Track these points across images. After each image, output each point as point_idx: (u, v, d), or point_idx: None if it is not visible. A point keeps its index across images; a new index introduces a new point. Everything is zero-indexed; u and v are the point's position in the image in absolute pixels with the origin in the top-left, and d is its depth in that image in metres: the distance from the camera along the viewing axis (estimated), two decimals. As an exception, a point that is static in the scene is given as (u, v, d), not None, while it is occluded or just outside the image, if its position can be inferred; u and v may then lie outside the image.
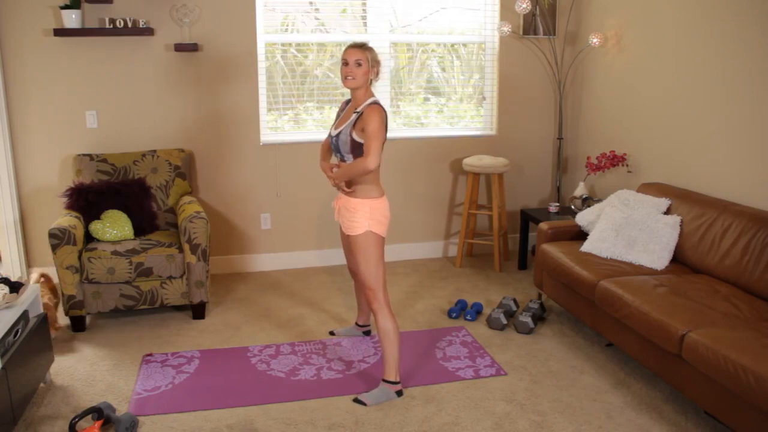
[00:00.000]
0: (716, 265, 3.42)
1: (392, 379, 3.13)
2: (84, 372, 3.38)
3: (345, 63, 3.07)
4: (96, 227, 3.99)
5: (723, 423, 2.68)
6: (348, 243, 3.38)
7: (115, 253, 3.81)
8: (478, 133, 5.21)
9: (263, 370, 3.40)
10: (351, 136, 3.05)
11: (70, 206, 4.05)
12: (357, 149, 3.06)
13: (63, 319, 3.96)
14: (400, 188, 5.07)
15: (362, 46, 3.08)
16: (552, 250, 3.91)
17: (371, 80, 3.12)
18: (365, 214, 3.08)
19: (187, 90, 4.60)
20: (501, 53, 5.07)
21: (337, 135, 3.12)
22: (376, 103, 3.06)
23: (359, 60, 3.05)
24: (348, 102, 3.26)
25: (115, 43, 4.43)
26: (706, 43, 3.81)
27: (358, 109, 3.06)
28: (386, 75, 4.94)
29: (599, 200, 4.42)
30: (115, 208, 4.11)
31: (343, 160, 3.14)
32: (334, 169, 3.29)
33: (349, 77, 3.06)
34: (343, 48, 4.87)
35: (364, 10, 4.84)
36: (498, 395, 3.15)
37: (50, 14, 4.29)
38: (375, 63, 3.09)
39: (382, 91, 4.94)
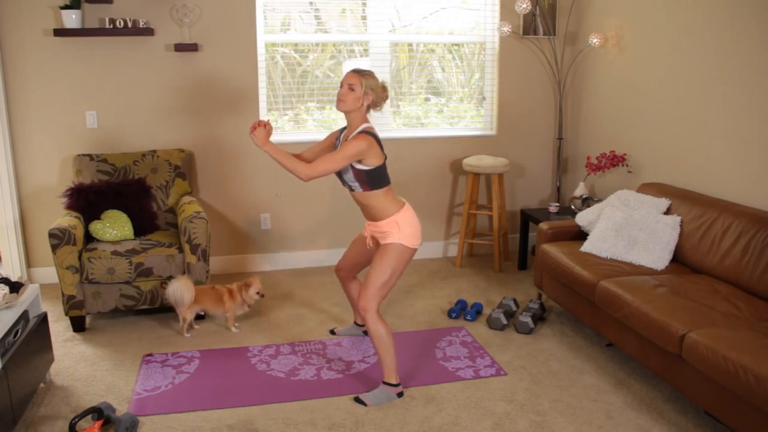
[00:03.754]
0: (716, 265, 3.42)
1: (392, 381, 3.13)
2: (84, 372, 3.38)
3: (341, 85, 3.10)
4: (96, 227, 3.99)
5: (723, 423, 2.68)
6: (363, 246, 3.41)
7: (115, 253, 3.81)
8: (478, 133, 5.21)
9: (263, 370, 3.40)
10: (352, 165, 3.07)
11: (70, 206, 4.05)
12: (362, 177, 3.08)
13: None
14: (400, 188, 5.06)
15: (360, 72, 3.10)
16: (552, 250, 3.91)
17: (367, 107, 3.12)
18: (395, 231, 3.12)
19: (187, 90, 4.60)
20: (501, 53, 5.07)
21: None
22: (365, 132, 3.06)
23: (353, 84, 3.07)
24: (343, 130, 3.27)
25: (115, 43, 4.43)
26: (706, 44, 3.81)
27: (350, 137, 3.09)
28: (386, 75, 4.94)
29: (599, 200, 4.42)
30: (115, 208, 4.11)
31: (352, 189, 3.17)
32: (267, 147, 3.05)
33: (340, 100, 3.09)
34: (343, 48, 4.90)
35: (364, 10, 4.84)
36: (498, 395, 3.15)
37: (50, 14, 4.29)
38: (370, 90, 3.08)
39: (382, 91, 4.94)
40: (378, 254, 3.15)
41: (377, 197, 3.13)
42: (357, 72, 3.10)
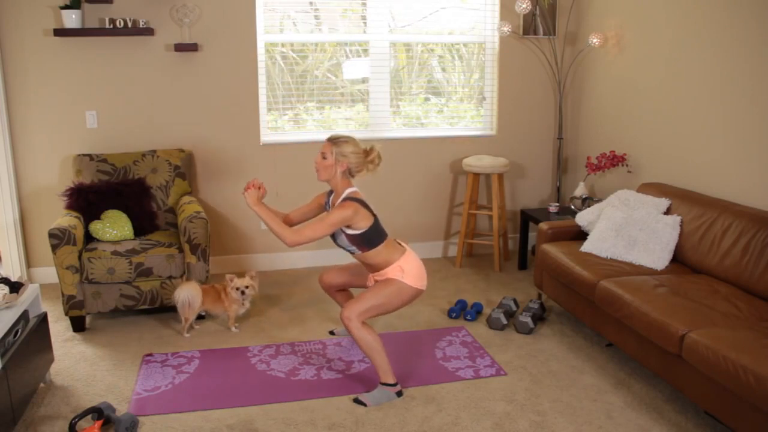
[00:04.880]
0: (716, 265, 3.42)
1: (390, 381, 3.13)
2: (84, 372, 3.38)
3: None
4: (96, 227, 3.99)
5: (723, 423, 2.68)
6: (359, 273, 3.43)
7: (115, 253, 3.81)
8: (478, 133, 5.21)
9: (263, 370, 3.40)
10: (343, 231, 3.10)
11: (70, 206, 4.05)
12: (357, 240, 3.11)
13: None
14: (400, 188, 5.07)
15: (333, 140, 3.12)
16: (552, 250, 3.90)
17: (343, 173, 3.12)
18: (399, 274, 3.14)
19: (187, 90, 4.60)
20: (501, 53, 5.07)
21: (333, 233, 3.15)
22: (349, 198, 3.08)
23: (324, 153, 3.10)
24: (330, 193, 3.29)
25: (115, 43, 4.43)
26: (706, 44, 3.81)
27: (336, 204, 3.12)
28: (386, 75, 4.94)
29: (599, 200, 4.42)
30: (115, 208, 4.11)
31: (352, 253, 3.20)
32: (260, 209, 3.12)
33: (316, 169, 3.14)
34: (343, 48, 4.91)
35: (364, 10, 4.84)
36: (498, 395, 3.15)
37: (50, 14, 4.29)
38: (342, 157, 3.09)
39: (382, 91, 4.95)
40: (381, 282, 3.17)
41: (378, 253, 3.16)
42: (330, 140, 3.13)
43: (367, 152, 3.16)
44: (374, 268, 3.22)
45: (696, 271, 3.58)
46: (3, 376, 2.64)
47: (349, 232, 3.09)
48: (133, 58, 4.48)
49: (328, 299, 4.34)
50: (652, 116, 4.31)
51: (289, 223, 3.36)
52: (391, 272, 3.15)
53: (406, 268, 3.14)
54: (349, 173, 3.16)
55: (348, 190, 3.13)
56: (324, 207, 3.34)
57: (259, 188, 3.14)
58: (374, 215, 3.14)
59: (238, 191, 4.80)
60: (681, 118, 4.05)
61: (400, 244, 3.26)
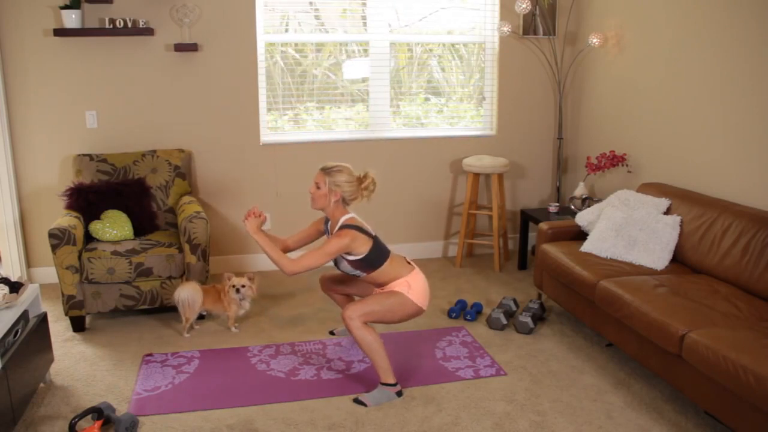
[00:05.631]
0: (716, 265, 3.42)
1: (390, 381, 3.13)
2: (84, 372, 3.38)
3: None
4: (96, 227, 3.99)
5: (723, 423, 2.68)
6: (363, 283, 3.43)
7: (115, 253, 3.81)
8: (478, 133, 5.21)
9: (263, 370, 3.40)
10: (344, 257, 3.11)
11: (70, 206, 4.05)
12: (359, 265, 3.12)
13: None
14: (399, 188, 5.07)
15: (326, 170, 3.13)
16: (552, 250, 3.90)
17: (336, 202, 3.12)
18: (405, 288, 3.13)
19: (187, 90, 4.60)
20: (501, 53, 5.07)
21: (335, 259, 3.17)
22: (346, 226, 3.09)
23: (318, 183, 3.12)
24: (327, 221, 3.30)
25: (115, 43, 4.43)
26: (706, 44, 3.81)
27: (333, 231, 3.14)
28: (386, 75, 4.95)
29: (599, 200, 4.42)
30: (115, 208, 4.11)
31: (358, 276, 3.20)
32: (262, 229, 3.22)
33: (311, 199, 3.16)
34: (343, 48, 4.92)
35: (364, 10, 4.84)
36: (498, 395, 3.15)
37: (50, 14, 4.29)
38: (335, 186, 3.10)
39: (382, 91, 4.95)
40: (386, 292, 3.17)
41: (384, 272, 3.16)
42: (323, 170, 3.14)
43: (360, 179, 3.17)
44: (381, 285, 3.22)
45: (696, 271, 3.58)
46: (3, 376, 2.64)
47: (350, 257, 3.10)
48: (133, 58, 4.48)
49: (328, 300, 4.34)
50: (652, 116, 4.31)
51: (287, 249, 3.37)
52: (397, 286, 3.15)
53: (413, 284, 3.15)
54: (344, 201, 3.16)
55: (344, 218, 3.14)
56: (323, 233, 3.36)
57: (260, 216, 3.17)
58: (373, 237, 3.14)
59: (238, 191, 4.81)
60: (681, 118, 4.05)
61: (409, 262, 3.26)
